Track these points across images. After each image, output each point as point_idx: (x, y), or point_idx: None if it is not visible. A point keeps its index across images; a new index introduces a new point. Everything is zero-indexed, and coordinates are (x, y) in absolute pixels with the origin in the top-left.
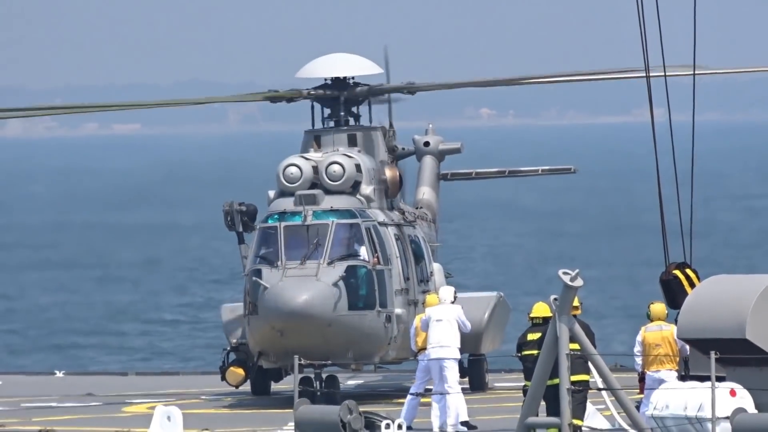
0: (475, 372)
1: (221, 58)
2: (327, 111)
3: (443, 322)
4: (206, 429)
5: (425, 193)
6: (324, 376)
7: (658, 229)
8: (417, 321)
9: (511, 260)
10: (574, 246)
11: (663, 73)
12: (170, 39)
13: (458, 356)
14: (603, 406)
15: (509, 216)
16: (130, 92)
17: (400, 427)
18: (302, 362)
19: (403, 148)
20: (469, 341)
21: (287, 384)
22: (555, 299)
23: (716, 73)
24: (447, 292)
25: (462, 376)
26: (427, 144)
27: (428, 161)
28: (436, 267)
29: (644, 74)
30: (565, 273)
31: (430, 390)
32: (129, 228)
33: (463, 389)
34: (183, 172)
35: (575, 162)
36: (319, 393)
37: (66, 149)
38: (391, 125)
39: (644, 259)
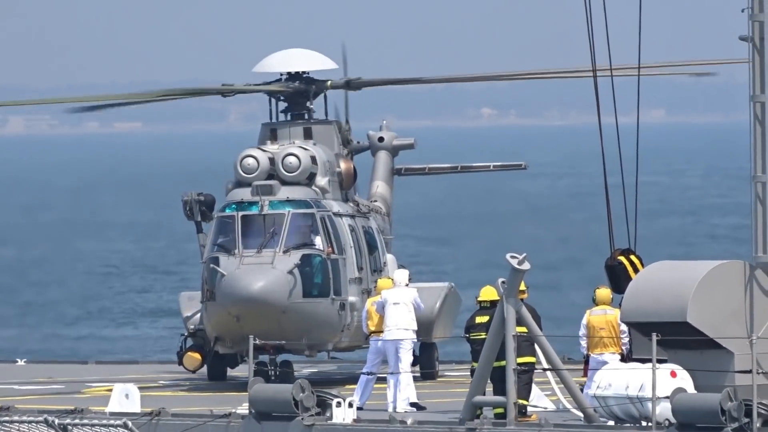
0: (426, 360)
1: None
2: (284, 105)
3: (400, 305)
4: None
5: (379, 186)
6: (279, 361)
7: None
8: (369, 304)
9: (466, 251)
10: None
11: (610, 74)
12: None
13: (415, 339)
14: (550, 392)
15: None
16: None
17: (351, 405)
18: (257, 342)
19: (358, 142)
20: (421, 329)
21: (243, 371)
22: (503, 282)
23: (662, 74)
24: (402, 275)
25: (413, 364)
26: (381, 139)
27: (382, 156)
28: (390, 258)
29: (591, 73)
30: (512, 257)
31: (383, 374)
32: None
33: (414, 377)
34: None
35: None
36: (273, 377)
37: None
38: (347, 120)
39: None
